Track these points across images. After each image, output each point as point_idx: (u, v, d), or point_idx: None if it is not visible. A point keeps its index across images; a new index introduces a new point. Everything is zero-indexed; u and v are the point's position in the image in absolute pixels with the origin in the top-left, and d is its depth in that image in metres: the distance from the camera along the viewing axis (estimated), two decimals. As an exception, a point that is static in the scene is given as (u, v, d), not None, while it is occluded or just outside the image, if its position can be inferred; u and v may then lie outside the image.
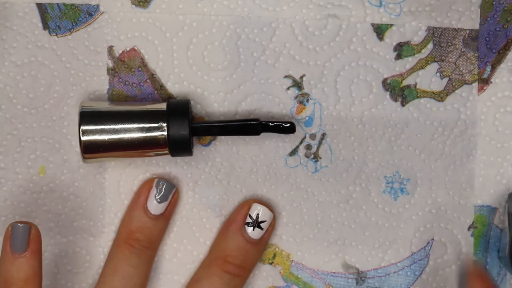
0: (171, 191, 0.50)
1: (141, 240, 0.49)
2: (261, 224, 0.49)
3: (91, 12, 0.51)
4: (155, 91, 0.51)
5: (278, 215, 0.52)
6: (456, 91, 0.51)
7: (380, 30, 0.51)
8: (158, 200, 0.49)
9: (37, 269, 0.46)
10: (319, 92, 0.51)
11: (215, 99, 0.51)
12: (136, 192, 0.51)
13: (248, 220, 0.49)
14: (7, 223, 0.51)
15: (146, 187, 0.50)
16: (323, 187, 0.52)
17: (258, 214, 0.49)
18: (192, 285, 0.50)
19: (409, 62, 0.51)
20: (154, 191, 0.50)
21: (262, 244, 0.50)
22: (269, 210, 0.50)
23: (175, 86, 0.51)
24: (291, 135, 0.51)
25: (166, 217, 0.50)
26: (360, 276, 0.52)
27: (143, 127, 0.47)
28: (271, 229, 0.51)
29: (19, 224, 0.46)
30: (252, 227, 0.49)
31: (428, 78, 0.51)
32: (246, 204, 0.50)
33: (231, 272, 0.49)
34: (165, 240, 0.52)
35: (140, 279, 0.49)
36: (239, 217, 0.50)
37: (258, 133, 0.49)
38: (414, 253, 0.52)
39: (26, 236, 0.46)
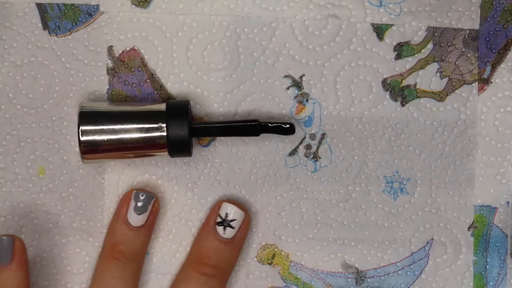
0: (150, 202, 0.50)
1: (125, 252, 0.49)
2: (231, 223, 0.49)
3: (91, 12, 0.51)
4: (155, 91, 0.51)
5: (277, 216, 0.52)
6: (456, 91, 0.51)
7: (380, 30, 0.51)
8: (137, 212, 0.49)
9: (24, 280, 0.47)
10: (319, 92, 0.51)
11: (215, 99, 0.51)
12: (118, 204, 0.51)
13: (218, 219, 0.49)
14: (6, 224, 0.51)
15: (125, 199, 0.50)
16: (322, 187, 0.52)
17: (227, 213, 0.49)
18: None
19: (409, 62, 0.51)
20: (132, 203, 0.49)
21: (236, 243, 0.50)
22: (240, 209, 0.50)
23: (174, 86, 0.51)
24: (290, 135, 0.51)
25: (147, 228, 0.50)
26: (359, 276, 0.52)
27: (143, 128, 0.47)
28: (245, 228, 0.50)
29: (3, 237, 0.46)
30: (222, 227, 0.49)
31: (428, 78, 0.51)
32: (217, 205, 0.50)
33: (207, 273, 0.49)
34: (164, 241, 0.52)
35: None
36: (211, 218, 0.50)
37: (257, 134, 0.49)
38: (414, 252, 0.52)
39: (10, 248, 0.46)
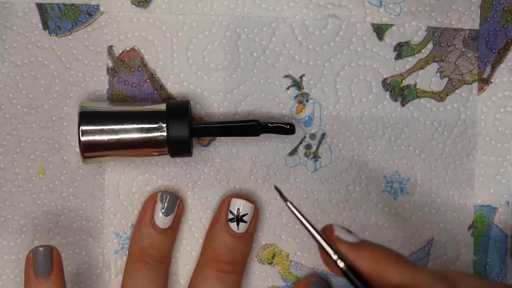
0: (176, 203, 0.50)
1: (155, 255, 0.49)
2: (243, 218, 0.49)
3: (91, 12, 0.51)
4: (155, 91, 0.51)
5: (277, 215, 0.52)
6: (456, 91, 0.52)
7: (380, 30, 0.51)
8: (165, 213, 0.49)
9: None
10: (319, 92, 0.51)
11: (215, 99, 0.51)
12: (141, 209, 0.51)
13: (230, 216, 0.49)
14: (6, 224, 0.51)
15: (150, 202, 0.50)
16: (322, 187, 0.52)
17: (238, 208, 0.49)
18: None
19: (409, 62, 0.51)
20: (159, 205, 0.50)
21: (249, 236, 0.50)
22: (249, 202, 0.50)
23: (174, 86, 0.51)
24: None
25: (174, 229, 0.50)
26: (360, 276, 0.52)
27: (143, 128, 0.47)
28: (255, 220, 0.51)
29: (40, 248, 0.47)
30: (235, 223, 0.49)
31: (428, 78, 0.51)
32: (225, 201, 0.50)
33: (225, 270, 0.49)
34: (165, 240, 0.52)
35: None
36: (221, 215, 0.50)
37: (257, 134, 0.49)
38: (414, 252, 0.52)
39: (49, 259, 0.47)
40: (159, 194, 0.50)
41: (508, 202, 0.52)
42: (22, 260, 0.51)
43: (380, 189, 0.52)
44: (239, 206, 0.49)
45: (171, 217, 0.50)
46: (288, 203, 0.41)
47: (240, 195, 0.51)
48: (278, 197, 0.51)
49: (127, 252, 0.51)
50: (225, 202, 0.50)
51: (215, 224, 0.50)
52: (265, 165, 0.52)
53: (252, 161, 0.52)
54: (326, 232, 0.40)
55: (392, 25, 0.51)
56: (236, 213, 0.49)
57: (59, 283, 0.47)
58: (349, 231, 0.41)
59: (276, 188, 0.43)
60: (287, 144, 0.52)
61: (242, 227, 0.49)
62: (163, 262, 0.50)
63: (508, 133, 0.52)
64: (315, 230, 0.40)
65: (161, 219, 0.49)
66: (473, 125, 0.52)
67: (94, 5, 0.51)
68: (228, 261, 0.49)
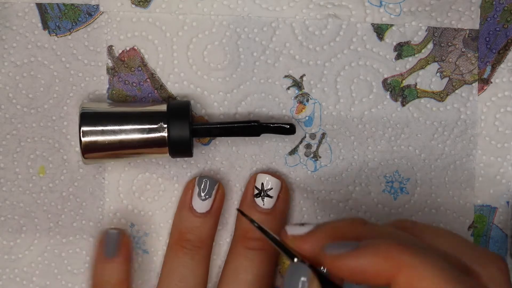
0: (213, 187, 0.50)
1: (192, 240, 0.49)
2: (269, 192, 0.49)
3: (91, 12, 0.51)
4: (155, 91, 0.51)
5: (278, 215, 0.52)
6: (456, 91, 0.52)
7: (380, 30, 0.51)
8: (202, 197, 0.49)
9: (127, 274, 0.48)
10: (319, 92, 0.51)
11: (215, 99, 0.51)
12: (182, 192, 0.51)
13: (255, 191, 0.49)
14: (6, 223, 0.51)
15: (189, 186, 0.50)
16: (322, 186, 0.52)
17: (262, 183, 0.49)
18: (223, 269, 0.50)
19: (409, 62, 0.51)
20: (196, 189, 0.49)
21: (277, 213, 0.50)
22: (275, 177, 0.50)
23: (175, 85, 0.51)
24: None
25: (214, 214, 0.50)
26: (359, 276, 0.52)
27: (144, 129, 0.47)
28: (284, 197, 0.50)
29: (111, 230, 0.48)
30: (260, 198, 0.49)
31: (428, 78, 0.51)
32: (252, 178, 0.50)
33: (253, 248, 0.49)
34: (165, 239, 0.52)
35: (197, 280, 0.49)
36: (247, 192, 0.50)
37: (258, 135, 0.49)
38: (414, 252, 0.52)
39: (118, 242, 0.48)
40: (197, 178, 0.50)
41: (508, 202, 0.52)
42: (22, 260, 0.51)
43: (380, 189, 0.52)
44: (263, 181, 0.49)
45: (209, 201, 0.49)
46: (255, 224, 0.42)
47: (268, 171, 0.51)
48: (278, 197, 0.52)
49: (127, 252, 0.52)
50: (251, 179, 0.50)
51: (242, 202, 0.50)
52: (265, 164, 0.52)
53: (252, 160, 0.52)
54: (283, 237, 0.40)
55: (392, 25, 0.51)
56: (260, 188, 0.49)
57: (124, 266, 0.48)
58: (302, 224, 0.40)
59: (238, 210, 0.45)
60: (287, 143, 0.52)
61: (268, 202, 0.49)
62: (201, 248, 0.49)
63: (508, 133, 0.52)
64: (277, 241, 0.40)
65: (199, 204, 0.49)
66: (473, 125, 0.52)
67: (94, 5, 0.51)
68: (256, 238, 0.48)
